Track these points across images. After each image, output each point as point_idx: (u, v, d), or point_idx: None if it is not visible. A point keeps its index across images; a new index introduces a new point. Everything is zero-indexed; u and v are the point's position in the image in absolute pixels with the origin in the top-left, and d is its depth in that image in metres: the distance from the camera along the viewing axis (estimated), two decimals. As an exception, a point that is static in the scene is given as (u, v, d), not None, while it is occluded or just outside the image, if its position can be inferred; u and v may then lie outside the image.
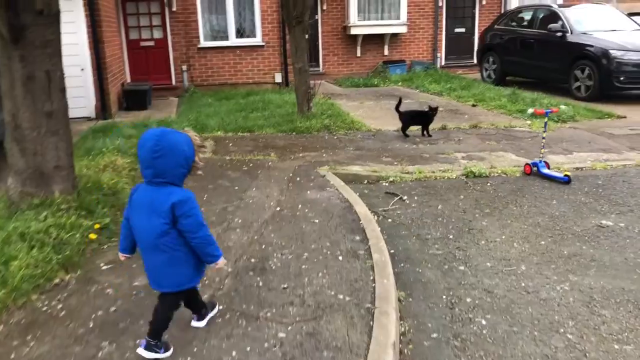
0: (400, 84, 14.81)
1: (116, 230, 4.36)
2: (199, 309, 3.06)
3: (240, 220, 4.76)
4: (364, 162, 6.92)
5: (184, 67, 13.61)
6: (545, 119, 6.60)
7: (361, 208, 5.05)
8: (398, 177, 6.46)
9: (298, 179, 6.06)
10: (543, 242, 4.71)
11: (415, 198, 5.85)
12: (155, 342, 2.75)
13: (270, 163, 6.59)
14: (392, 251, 4.51)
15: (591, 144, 7.93)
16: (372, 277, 3.70)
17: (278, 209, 5.09)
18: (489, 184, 6.30)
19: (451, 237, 4.84)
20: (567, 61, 11.61)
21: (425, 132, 8.26)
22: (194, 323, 3.06)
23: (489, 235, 4.86)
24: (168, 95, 13.50)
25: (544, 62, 12.31)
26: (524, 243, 4.70)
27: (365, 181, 6.43)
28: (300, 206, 5.15)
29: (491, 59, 14.22)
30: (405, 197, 5.85)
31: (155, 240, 2.58)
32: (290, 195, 5.48)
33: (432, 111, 8.08)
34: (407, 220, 5.23)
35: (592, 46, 11.15)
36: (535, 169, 6.63)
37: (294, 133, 8.34)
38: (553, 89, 12.42)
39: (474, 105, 10.85)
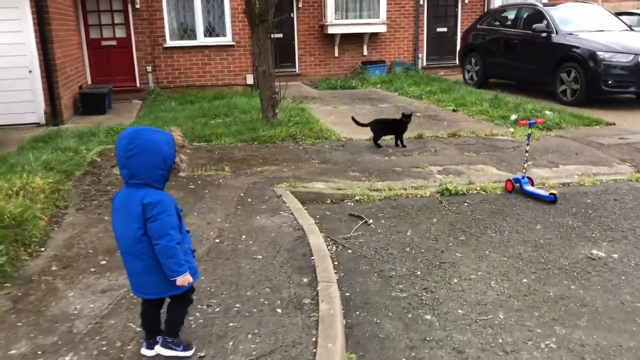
0: (379, 86, 14.12)
1: (12, 273, 3.60)
2: (170, 329, 2.77)
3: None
4: (328, 178, 6.20)
5: (149, 68, 12.81)
6: (529, 131, 5.92)
7: (316, 239, 4.33)
8: (365, 196, 5.76)
9: (249, 199, 5.33)
10: (525, 280, 4.02)
11: (383, 222, 5.15)
12: (172, 339, 2.73)
13: (221, 180, 5.85)
14: (347, 294, 3.81)
15: (579, 155, 7.28)
16: (314, 339, 2.98)
17: (217, 240, 4.36)
18: (465, 204, 5.62)
19: (419, 273, 4.13)
20: (552, 63, 11.00)
21: (399, 142, 7.56)
22: (157, 347, 2.79)
23: (463, 271, 4.16)
24: (132, 98, 12.73)
25: (529, 64, 11.69)
26: (503, 281, 4.01)
27: (329, 200, 5.72)
28: (244, 237, 4.42)
29: (473, 60, 13.58)
30: (370, 221, 5.15)
31: (131, 246, 2.50)
32: (236, 221, 4.75)
33: (406, 119, 7.39)
34: (370, 251, 4.52)
35: (578, 47, 10.54)
36: (517, 185, 5.96)
37: (255, 143, 7.60)
38: (538, 93, 11.80)
39: (454, 111, 10.19)
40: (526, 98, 10.99)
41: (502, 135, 8.28)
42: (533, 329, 3.39)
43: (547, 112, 9.25)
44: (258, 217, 4.83)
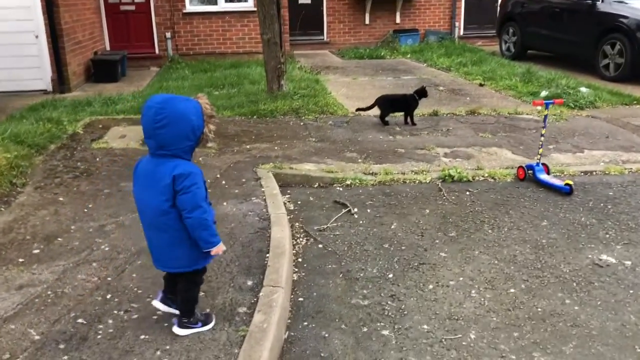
0: (409, 56, 13.36)
1: None
2: (185, 311, 2.69)
3: (108, 248, 3.62)
4: (321, 159, 5.68)
5: (168, 34, 12.42)
6: (545, 112, 5.22)
7: (279, 231, 3.85)
8: (357, 180, 5.23)
9: (224, 182, 4.88)
10: (512, 290, 3.46)
11: (368, 211, 4.63)
12: (189, 319, 2.67)
13: (201, 159, 5.42)
14: (301, 299, 3.34)
15: (609, 139, 6.51)
16: (232, 360, 2.53)
17: (169, 229, 3.92)
18: (467, 193, 5.02)
19: (391, 276, 3.62)
20: (595, 34, 10.02)
21: (408, 120, 6.94)
22: (175, 329, 2.71)
23: (442, 275, 3.62)
24: (151, 65, 12.39)
25: (569, 35, 10.71)
26: (486, 290, 3.45)
27: (316, 184, 5.22)
28: (200, 226, 3.97)
29: (511, 30, 12.63)
30: (355, 210, 4.64)
31: (156, 218, 2.42)
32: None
33: (417, 95, 6.74)
34: (343, 246, 4.02)
35: (626, 17, 9.54)
36: (530, 173, 5.31)
37: (254, 117, 7.12)
38: (577, 67, 10.85)
39: (481, 85, 9.43)
40: (563, 72, 10.11)
41: (526, 114, 7.53)
42: (506, 355, 2.85)
43: (583, 89, 8.40)
44: (225, 204, 4.38)
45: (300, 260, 3.80)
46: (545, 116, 5.24)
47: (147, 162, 2.46)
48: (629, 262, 3.81)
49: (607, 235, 4.22)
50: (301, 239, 4.11)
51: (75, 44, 9.72)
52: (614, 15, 9.76)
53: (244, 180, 4.92)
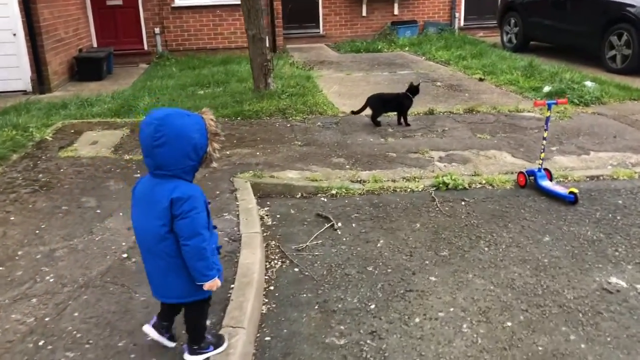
0: (407, 48, 12.90)
1: None
2: (195, 338, 2.49)
3: (53, 279, 3.22)
4: (305, 165, 5.27)
5: (157, 30, 11.98)
6: (548, 113, 4.78)
7: (250, 255, 3.45)
8: (344, 189, 4.82)
9: (195, 195, 4.45)
10: (509, 324, 3.05)
11: (353, 225, 4.22)
12: (199, 345, 2.49)
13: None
14: (267, 339, 2.94)
15: (617, 139, 6.06)
16: None
17: (125, 255, 3.54)
18: (463, 203, 4.60)
19: (373, 307, 3.21)
20: (601, 24, 9.54)
21: (402, 121, 6.50)
22: (186, 356, 2.50)
23: (431, 305, 3.22)
24: (140, 61, 11.99)
25: (574, 25, 10.23)
26: (480, 324, 3.04)
27: (299, 194, 4.81)
28: (161, 250, 3.57)
29: (512, 21, 12.14)
30: (339, 225, 4.23)
31: (153, 244, 2.23)
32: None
33: (410, 93, 6.31)
34: (322, 270, 3.61)
35: (633, 6, 9.06)
36: (532, 179, 4.88)
37: (238, 118, 6.70)
38: (582, 59, 10.37)
39: (481, 80, 8.97)
40: (567, 65, 9.63)
41: (528, 112, 7.08)
42: (501, 411, 2.43)
43: (588, 83, 7.94)
44: (192, 222, 3.95)
45: (272, 288, 3.40)
46: (547, 118, 4.80)
47: (146, 182, 2.27)
48: (641, 286, 3.39)
49: (617, 253, 3.80)
50: (276, 261, 3.71)
51: (57, 41, 9.31)
52: (621, 5, 9.28)
53: (217, 192, 4.51)
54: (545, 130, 4.83)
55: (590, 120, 6.70)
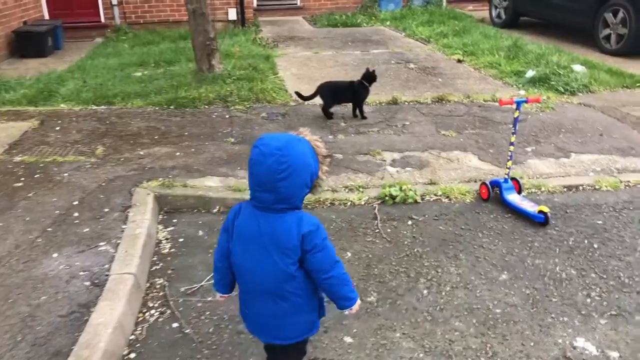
0: (388, 23, 11.93)
1: None
2: None
3: None
4: (232, 169, 4.44)
5: (114, 1, 10.96)
6: (516, 114, 3.93)
7: (108, 311, 2.65)
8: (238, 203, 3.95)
9: (77, 214, 3.66)
10: (434, 419, 2.25)
11: (269, 254, 3.37)
12: None
13: (68, 173, 4.19)
14: None
15: (604, 137, 5.23)
16: None
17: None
18: (410, 223, 3.80)
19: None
20: (595, 0, 8.58)
21: (357, 112, 5.64)
22: None
23: (335, 386, 2.42)
24: (97, 35, 10.98)
25: (567, 0, 9.26)
26: (395, 418, 2.24)
27: (216, 208, 4.00)
28: (-6, 301, 2.77)
29: (502, -6, 11.16)
30: (250, 253, 3.38)
31: (277, 285, 1.98)
32: (15, 262, 3.09)
33: (366, 81, 5.44)
34: (208, 325, 2.83)
35: (630, -21, 8.10)
36: (497, 190, 4.07)
37: (171, 107, 5.85)
38: (574, 38, 9.46)
39: (459, 61, 8.07)
40: (558, 45, 8.74)
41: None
42: None
43: (577, 67, 7.06)
44: (54, 256, 3.16)
45: (133, 355, 2.59)
46: (516, 119, 3.95)
47: (254, 216, 1.97)
48: (615, 355, 2.60)
49: (589, 300, 3.01)
50: (154, 312, 2.91)
51: (-10, 13, 8.35)
52: (618, -22, 8.32)
53: (107, 209, 3.68)
54: (513, 134, 4.00)
55: (575, 113, 5.84)
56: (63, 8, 10.93)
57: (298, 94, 5.68)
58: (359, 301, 2.12)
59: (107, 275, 2.93)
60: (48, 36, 9.26)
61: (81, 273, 2.96)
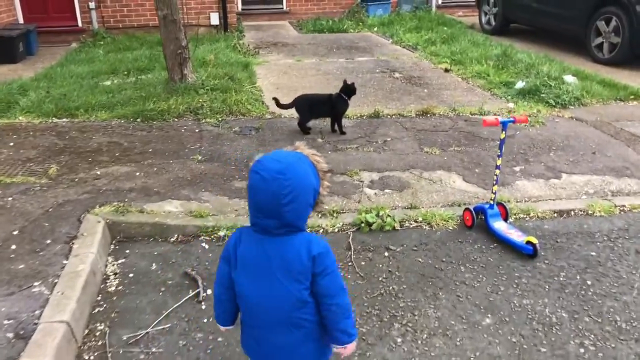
0: (375, 29, 11.63)
1: None
2: None
3: None
4: (195, 192, 4.08)
5: (92, 4, 10.59)
6: (502, 135, 3.60)
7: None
8: (235, 230, 3.60)
9: (14, 246, 3.29)
10: None
11: (228, 293, 3.02)
12: None
13: (12, 198, 3.80)
14: None
15: (597, 155, 4.92)
16: None
17: None
18: (387, 254, 3.47)
19: None
20: (588, 7, 8.32)
21: (336, 127, 5.30)
22: None
23: None
24: (74, 40, 10.61)
25: (557, 7, 9.02)
26: None
27: (174, 237, 3.64)
28: None
29: (492, 1, 10.86)
30: (207, 293, 3.06)
31: (291, 313, 1.84)
32: None
33: (345, 94, 5.10)
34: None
35: (624, -13, 7.82)
36: (482, 217, 3.74)
37: (138, 120, 5.49)
38: (565, 46, 9.19)
39: (446, 71, 7.76)
40: (549, 53, 8.46)
41: (494, 114, 5.91)
42: None
43: (568, 78, 6.76)
44: (-24, 301, 2.77)
45: None
46: (502, 141, 3.62)
47: (254, 243, 1.83)
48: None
49: (582, 350, 2.70)
50: (82, 370, 2.53)
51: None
52: (610, -15, 8.04)
53: (49, 241, 3.31)
54: (499, 157, 3.67)
55: (566, 129, 5.52)
56: (38, 12, 10.57)
57: (276, 101, 5.33)
58: (356, 342, 1.96)
59: (35, 324, 2.56)
60: (19, 41, 8.90)
61: (5, 322, 2.59)
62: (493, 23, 10.92)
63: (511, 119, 3.59)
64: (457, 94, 6.63)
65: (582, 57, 8.42)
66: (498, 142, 3.64)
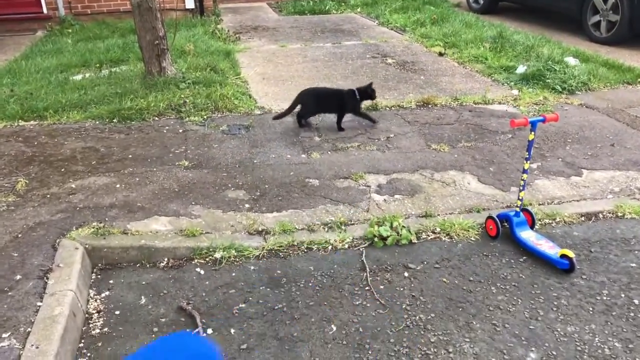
0: (359, 10, 11.14)
1: None
2: None
3: None
4: (184, 205, 3.62)
5: (57, -12, 9.88)
6: (531, 136, 3.20)
7: None
8: (233, 251, 3.23)
9: (-21, 286, 2.78)
10: None
11: (232, 332, 2.67)
12: None
13: (-26, 223, 3.29)
14: None
15: (615, 147, 4.57)
16: None
17: None
18: (406, 274, 3.09)
19: None
20: (583, -17, 7.95)
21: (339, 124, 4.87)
22: None
23: None
24: (39, 28, 9.90)
25: (550, -17, 8.60)
26: None
27: (164, 262, 3.19)
28: None
29: (479, -23, 10.44)
30: (207, 333, 2.62)
31: None
32: None
33: (360, 95, 4.69)
34: None
35: (622, -39, 7.45)
36: (506, 225, 3.37)
37: (114, 120, 4.97)
38: (559, 25, 8.82)
39: (440, 55, 7.33)
40: (542, 33, 8.07)
41: (499, 103, 5.52)
42: None
43: (571, 61, 6.40)
44: None
45: None
46: (531, 142, 3.22)
47: None
48: None
49: (646, 390, 2.30)
50: None
51: None
52: (608, -41, 7.67)
53: (19, 277, 2.84)
54: (526, 159, 3.27)
55: (578, 118, 5.16)
56: (-1, -2, 9.82)
57: (276, 117, 4.86)
58: None
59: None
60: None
61: (-33, 392, 2.13)
62: (481, 2, 10.51)
63: (541, 117, 3.19)
64: (456, 81, 6.22)
65: (577, 37, 8.08)
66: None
